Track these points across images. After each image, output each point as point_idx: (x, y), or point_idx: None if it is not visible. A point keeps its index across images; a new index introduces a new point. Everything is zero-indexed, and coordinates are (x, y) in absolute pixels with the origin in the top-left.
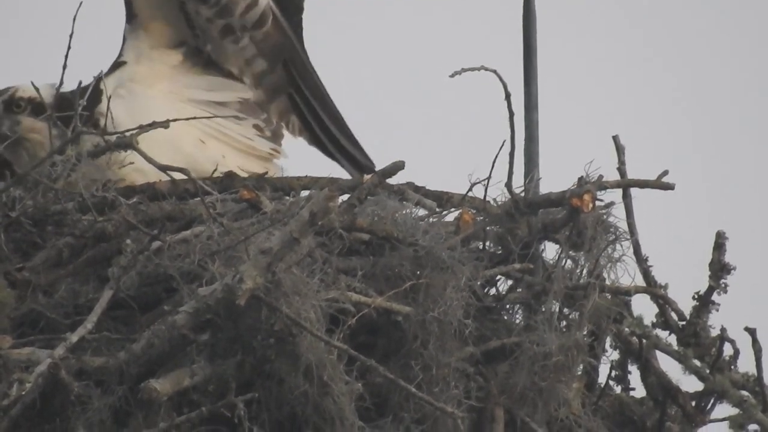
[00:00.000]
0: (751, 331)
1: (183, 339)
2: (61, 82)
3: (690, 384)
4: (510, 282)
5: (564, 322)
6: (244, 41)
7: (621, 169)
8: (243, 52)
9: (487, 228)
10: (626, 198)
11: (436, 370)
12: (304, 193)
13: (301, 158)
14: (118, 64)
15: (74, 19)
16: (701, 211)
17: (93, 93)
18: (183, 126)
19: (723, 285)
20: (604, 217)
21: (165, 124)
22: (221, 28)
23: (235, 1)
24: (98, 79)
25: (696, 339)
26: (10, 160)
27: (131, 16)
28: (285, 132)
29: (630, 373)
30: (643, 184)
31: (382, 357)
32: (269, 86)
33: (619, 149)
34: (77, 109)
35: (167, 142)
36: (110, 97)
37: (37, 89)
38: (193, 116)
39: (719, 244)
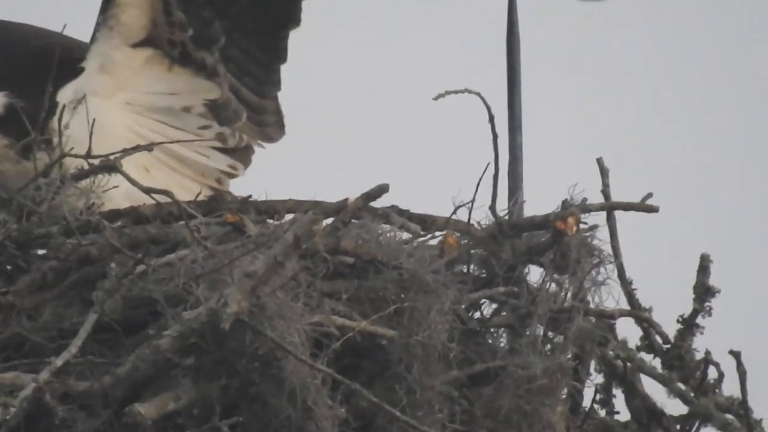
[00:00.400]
0: (736, 354)
1: (168, 363)
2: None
3: (675, 407)
4: (494, 305)
5: (548, 346)
6: None
7: (605, 192)
8: None
9: (472, 251)
10: (610, 221)
11: (421, 393)
12: (289, 217)
13: (284, 181)
14: (77, 71)
15: None
16: (685, 233)
17: (48, 106)
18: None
19: (707, 308)
20: (588, 240)
21: (149, 148)
22: None
23: None
24: (53, 91)
25: (680, 362)
26: None
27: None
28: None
29: (614, 396)
30: (627, 207)
31: (366, 380)
32: None
33: (603, 172)
34: (61, 130)
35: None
36: (84, 119)
37: None
38: (160, 141)
39: (703, 266)
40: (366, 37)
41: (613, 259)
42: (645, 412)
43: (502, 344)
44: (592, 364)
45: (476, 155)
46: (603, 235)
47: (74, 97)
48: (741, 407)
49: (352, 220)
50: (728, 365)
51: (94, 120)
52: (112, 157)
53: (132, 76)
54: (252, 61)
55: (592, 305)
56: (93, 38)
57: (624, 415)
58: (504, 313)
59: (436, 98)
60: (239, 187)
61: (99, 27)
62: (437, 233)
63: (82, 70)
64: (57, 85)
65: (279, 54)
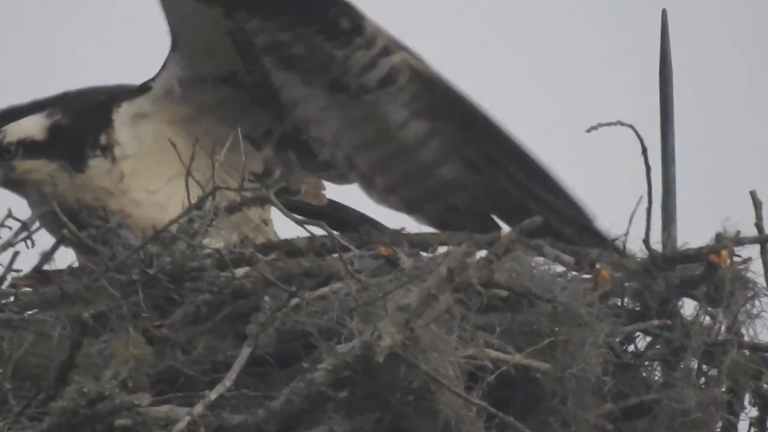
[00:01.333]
0: None
1: (321, 396)
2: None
3: None
4: (648, 338)
5: (703, 379)
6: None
7: (758, 225)
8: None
9: (625, 284)
10: (764, 254)
11: (576, 426)
12: (442, 249)
13: None
14: (144, 89)
15: None
16: None
17: (102, 118)
18: (174, 189)
19: None
20: (742, 273)
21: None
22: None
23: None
24: (110, 107)
25: None
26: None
27: (174, 46)
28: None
29: None
30: None
31: (519, 413)
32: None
33: (757, 204)
34: (214, 164)
35: (156, 205)
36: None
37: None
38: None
39: None
40: (518, 67)
41: (767, 292)
42: None
43: (656, 377)
44: (747, 398)
45: (629, 188)
46: (757, 268)
47: (136, 112)
48: None
49: (506, 253)
50: None
51: (221, 154)
52: (263, 190)
53: (202, 111)
54: None
55: (746, 338)
56: (163, 65)
57: None
58: (658, 347)
59: (588, 130)
60: (392, 220)
61: (171, 56)
62: (591, 266)
63: (149, 89)
64: (113, 102)
65: None
